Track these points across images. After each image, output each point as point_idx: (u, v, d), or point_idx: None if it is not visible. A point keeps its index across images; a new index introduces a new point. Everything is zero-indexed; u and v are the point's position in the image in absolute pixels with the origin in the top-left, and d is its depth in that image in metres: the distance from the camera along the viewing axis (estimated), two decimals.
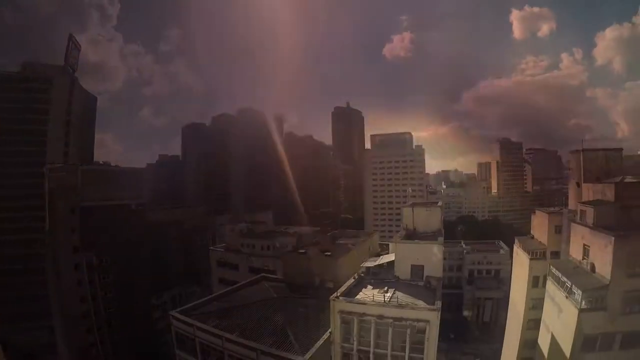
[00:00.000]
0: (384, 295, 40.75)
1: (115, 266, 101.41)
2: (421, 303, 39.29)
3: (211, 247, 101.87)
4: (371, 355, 38.48)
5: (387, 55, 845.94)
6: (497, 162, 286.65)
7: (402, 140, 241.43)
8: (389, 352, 37.57)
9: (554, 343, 47.39)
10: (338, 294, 41.43)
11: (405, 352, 36.94)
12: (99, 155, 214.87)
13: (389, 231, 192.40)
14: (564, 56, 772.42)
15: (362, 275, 50.08)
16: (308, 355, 37.11)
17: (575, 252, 49.30)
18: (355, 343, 39.07)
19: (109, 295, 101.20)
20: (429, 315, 36.41)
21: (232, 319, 48.60)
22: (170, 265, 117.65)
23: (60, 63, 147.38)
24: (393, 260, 50.03)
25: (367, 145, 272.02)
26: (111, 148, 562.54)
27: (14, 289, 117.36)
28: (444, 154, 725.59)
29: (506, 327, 75.23)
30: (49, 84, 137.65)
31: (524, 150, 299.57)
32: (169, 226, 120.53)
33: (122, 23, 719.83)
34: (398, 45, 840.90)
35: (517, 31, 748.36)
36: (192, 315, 50.80)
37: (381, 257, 55.58)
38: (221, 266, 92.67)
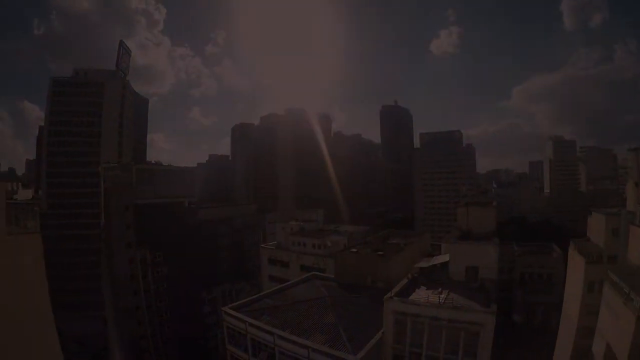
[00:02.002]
0: (439, 297, 40.86)
1: (168, 261, 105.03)
2: (475, 305, 39.08)
3: (262, 245, 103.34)
4: (423, 358, 38.41)
5: (434, 51, 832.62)
6: (550, 161, 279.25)
7: (451, 139, 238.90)
8: (441, 355, 37.39)
9: (608, 352, 46.14)
10: (392, 294, 41.66)
11: (458, 356, 36.66)
12: (151, 155, 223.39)
13: (439, 231, 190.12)
14: (618, 47, 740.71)
15: (416, 275, 50.21)
16: (361, 354, 36.89)
17: (634, 255, 47.63)
18: (407, 344, 39.12)
19: (161, 289, 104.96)
20: (484, 319, 36.15)
21: (284, 316, 48.99)
22: (220, 262, 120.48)
23: (111, 68, 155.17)
24: (446, 261, 49.98)
25: (416, 143, 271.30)
26: (163, 148, 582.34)
27: (70, 281, 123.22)
28: (494, 152, 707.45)
29: (558, 334, 73.20)
30: (101, 87, 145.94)
31: (578, 148, 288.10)
32: (220, 223, 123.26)
33: (168, 27, 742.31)
34: (445, 40, 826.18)
35: (568, 21, 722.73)
36: (244, 311, 51.51)
37: (434, 257, 55.53)
38: (272, 263, 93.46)
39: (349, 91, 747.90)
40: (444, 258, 51.57)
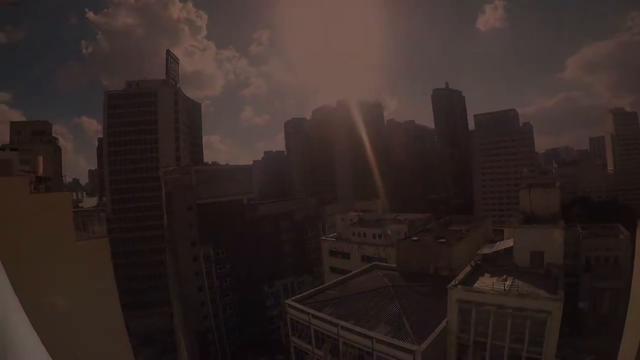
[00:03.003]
0: (504, 284, 40.27)
1: (231, 257, 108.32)
2: (542, 292, 38.21)
3: (322, 237, 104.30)
4: (488, 347, 38.05)
5: (480, 28, 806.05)
6: (612, 136, 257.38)
7: (507, 119, 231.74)
8: (506, 344, 36.86)
9: None
10: (456, 282, 41.43)
11: (523, 345, 35.99)
12: (208, 156, 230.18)
13: (500, 215, 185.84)
14: None
15: (479, 262, 49.64)
16: (425, 344, 36.93)
17: None
18: (472, 334, 38.84)
19: (225, 284, 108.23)
20: (551, 306, 35.25)
21: (347, 307, 49.48)
22: (282, 255, 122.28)
23: (162, 77, 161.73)
24: (510, 247, 49.19)
25: (471, 126, 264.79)
26: (219, 148, 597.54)
27: (138, 280, 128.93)
28: (552, 129, 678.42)
29: (625, 321, 70.03)
30: (154, 96, 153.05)
31: None
32: (280, 218, 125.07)
33: (211, 32, 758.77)
34: (491, 15, 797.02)
35: None
36: (307, 303, 52.36)
37: (498, 243, 54.74)
38: (333, 255, 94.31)
39: (398, 78, 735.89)
40: (507, 243, 50.66)
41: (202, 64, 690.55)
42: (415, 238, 67.44)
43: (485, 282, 42.34)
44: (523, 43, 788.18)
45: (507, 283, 40.65)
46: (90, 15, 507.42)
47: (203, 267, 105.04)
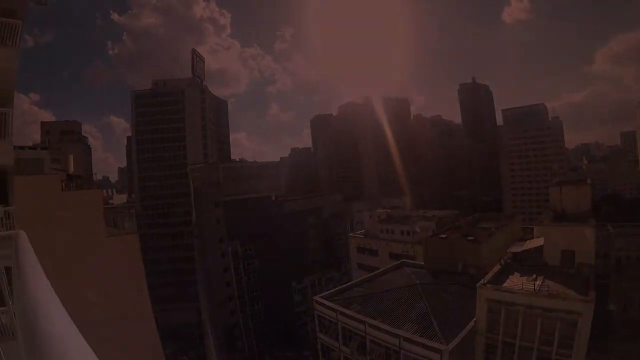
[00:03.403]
0: (534, 284, 39.75)
1: (259, 253, 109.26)
2: (573, 293, 37.48)
3: (351, 234, 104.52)
4: (516, 348, 37.60)
5: (506, 20, 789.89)
6: None
7: (536, 113, 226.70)
8: (535, 345, 36.40)
9: None
10: (485, 281, 41.15)
11: (552, 347, 35.52)
12: (235, 153, 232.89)
13: (530, 213, 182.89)
14: None
15: (508, 261, 49.27)
16: (453, 344, 36.70)
17: None
18: (500, 334, 38.49)
19: (253, 280, 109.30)
20: (582, 307, 34.65)
21: (375, 304, 49.42)
22: (309, 252, 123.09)
23: (188, 76, 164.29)
24: (540, 246, 48.70)
25: (499, 121, 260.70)
26: (246, 145, 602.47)
27: (166, 275, 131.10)
28: (580, 124, 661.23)
29: None
30: (181, 95, 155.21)
31: None
32: (307, 214, 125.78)
33: (235, 31, 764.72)
34: (516, 6, 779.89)
35: None
36: (335, 300, 52.38)
37: (527, 241, 54.16)
38: (360, 252, 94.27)
39: (425, 73, 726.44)
40: (537, 242, 50.00)
41: (227, 62, 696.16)
42: (443, 235, 66.56)
43: (515, 281, 41.90)
44: (550, 35, 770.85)
45: (537, 283, 40.02)
46: (115, 16, 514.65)
47: (231, 263, 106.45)
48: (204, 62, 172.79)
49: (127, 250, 35.00)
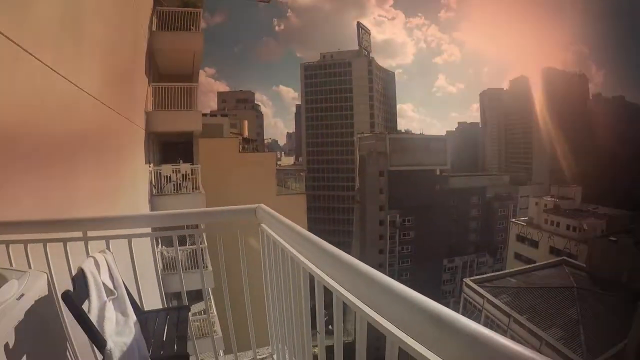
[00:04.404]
0: None
1: (416, 226, 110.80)
2: None
3: (512, 219, 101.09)
4: None
5: None
6: None
7: None
8: None
9: None
10: None
11: None
12: (402, 124, 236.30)
13: None
14: None
15: None
16: None
17: None
18: None
19: (405, 251, 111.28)
20: None
21: (524, 299, 48.29)
22: (467, 232, 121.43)
23: (353, 48, 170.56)
24: None
25: None
26: (412, 117, 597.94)
27: (325, 235, 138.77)
28: None
29: None
30: (348, 66, 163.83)
31: None
32: (470, 193, 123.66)
33: (398, 1, 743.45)
34: None
35: None
36: (485, 286, 51.56)
37: None
38: (520, 240, 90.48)
39: (606, 45, 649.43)
40: None
41: (392, 33, 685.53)
42: (613, 238, 62.11)
43: None
44: None
45: None
46: None
47: (388, 232, 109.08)
48: (369, 34, 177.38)
49: (295, 209, 39.29)
